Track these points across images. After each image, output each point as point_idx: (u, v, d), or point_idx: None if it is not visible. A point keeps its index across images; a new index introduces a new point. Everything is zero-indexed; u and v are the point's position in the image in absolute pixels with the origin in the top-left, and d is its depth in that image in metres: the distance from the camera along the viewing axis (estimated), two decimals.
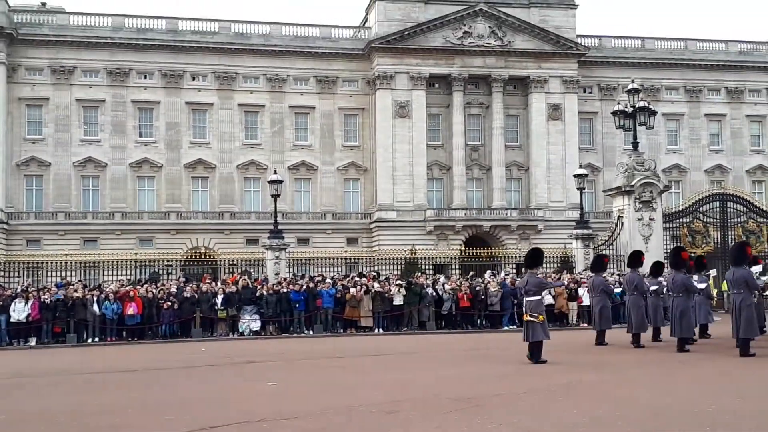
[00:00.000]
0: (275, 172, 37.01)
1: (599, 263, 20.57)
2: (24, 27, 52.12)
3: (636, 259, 19.93)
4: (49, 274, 32.27)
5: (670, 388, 11.62)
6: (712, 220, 36.18)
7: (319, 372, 14.15)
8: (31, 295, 24.03)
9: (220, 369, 14.38)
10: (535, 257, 15.82)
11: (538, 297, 15.26)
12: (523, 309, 15.53)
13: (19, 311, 23.44)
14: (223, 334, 25.23)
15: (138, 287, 26.05)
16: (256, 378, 13.26)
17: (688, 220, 35.64)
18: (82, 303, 24.06)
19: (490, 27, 56.40)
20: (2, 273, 32.93)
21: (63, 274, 31.40)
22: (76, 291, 24.61)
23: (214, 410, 9.84)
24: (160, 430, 8.67)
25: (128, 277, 31.81)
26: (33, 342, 23.70)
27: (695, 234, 35.54)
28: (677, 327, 16.90)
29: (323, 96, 56.02)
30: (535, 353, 14.58)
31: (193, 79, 54.51)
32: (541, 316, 14.79)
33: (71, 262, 33.31)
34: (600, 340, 19.07)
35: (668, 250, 34.12)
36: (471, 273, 31.69)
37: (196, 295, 25.41)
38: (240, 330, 25.27)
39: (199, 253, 42.43)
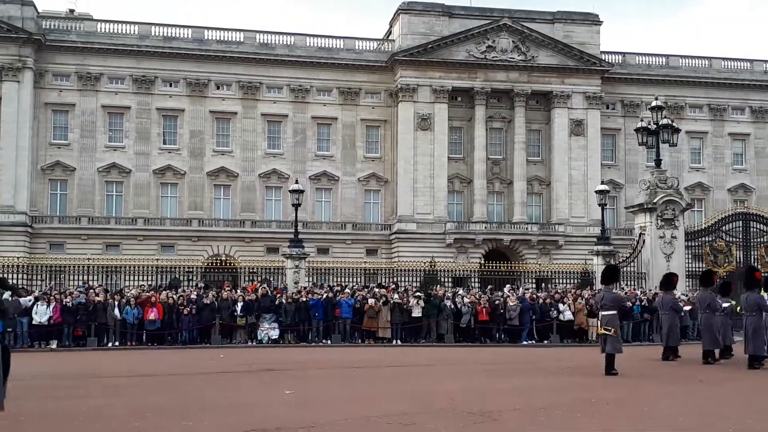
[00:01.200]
0: (297, 182, 37.15)
1: (668, 281, 20.89)
2: (52, 33, 52.80)
3: (708, 278, 20.29)
4: (71, 277, 32.55)
5: (694, 407, 11.55)
6: (734, 239, 35.87)
7: (337, 382, 14.18)
8: (53, 298, 24.27)
9: (238, 376, 14.45)
10: (610, 274, 17.02)
11: (614, 311, 16.14)
12: (598, 323, 16.48)
13: (41, 314, 23.68)
14: (242, 341, 25.32)
15: (159, 293, 26.23)
16: (273, 386, 13.31)
17: (710, 238, 35.34)
18: (103, 307, 24.29)
19: (513, 42, 56.41)
20: (25, 276, 33.25)
21: (85, 278, 31.68)
22: (97, 295, 24.85)
23: (232, 417, 9.90)
24: None
25: (149, 282, 32.02)
26: (54, 345, 23.94)
27: (717, 253, 35.23)
28: (750, 344, 17.23)
29: (346, 107, 56.24)
30: (608, 365, 15.40)
31: (218, 87, 54.94)
32: (614, 330, 15.67)
33: (93, 267, 33.59)
34: (667, 356, 19.50)
35: (690, 269, 34.08)
36: (489, 287, 31.61)
37: (216, 302, 25.54)
38: (259, 338, 25.35)
39: (220, 260, 42.61)
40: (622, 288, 29.32)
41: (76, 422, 9.58)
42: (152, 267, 34.78)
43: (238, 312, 25.33)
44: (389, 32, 59.58)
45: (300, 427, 9.26)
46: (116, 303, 24.55)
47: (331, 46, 56.99)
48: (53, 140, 52.61)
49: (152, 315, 24.49)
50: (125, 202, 53.34)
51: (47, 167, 52.40)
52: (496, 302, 27.22)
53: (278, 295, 26.53)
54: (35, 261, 37.00)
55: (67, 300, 24.28)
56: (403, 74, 55.26)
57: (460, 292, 28.42)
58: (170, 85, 54.30)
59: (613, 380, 14.89)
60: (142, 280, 31.95)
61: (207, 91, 54.51)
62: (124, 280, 33.68)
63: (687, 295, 30.57)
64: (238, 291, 27.12)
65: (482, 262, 43.69)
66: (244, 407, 10.79)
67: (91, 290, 25.90)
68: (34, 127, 51.62)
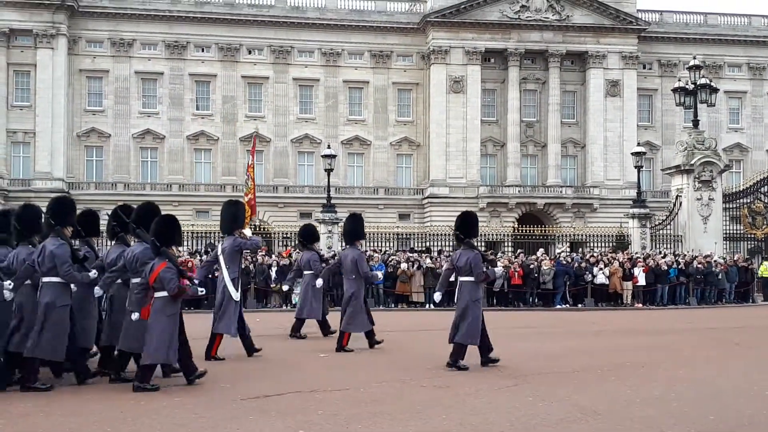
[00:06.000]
0: (329, 147, 37.12)
1: None
2: None
3: None
4: (107, 243, 32.90)
5: (730, 370, 11.44)
6: None
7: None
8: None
9: (273, 339, 14.56)
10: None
11: None
12: None
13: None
14: (277, 305, 25.54)
15: (194, 258, 26.50)
16: (308, 350, 13.41)
17: (748, 200, 34.79)
18: None
19: (547, 1, 55.40)
20: None
21: None
22: None
23: (267, 380, 10.00)
24: (218, 398, 8.85)
25: (185, 247, 32.34)
26: None
27: (756, 215, 34.69)
28: None
29: (377, 70, 55.90)
30: None
31: (249, 52, 54.90)
32: None
33: None
34: None
35: (728, 231, 33.62)
36: (519, 251, 31.39)
37: (252, 267, 25.74)
38: (293, 302, 25.53)
39: (254, 225, 42.84)
40: (660, 251, 28.99)
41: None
42: (188, 232, 35.06)
43: (273, 277, 25.51)
44: None
45: (335, 389, 9.34)
46: None
47: (362, 8, 56.50)
48: (88, 107, 53.09)
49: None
50: (160, 168, 53.84)
51: (83, 134, 52.98)
52: (530, 266, 27.10)
53: None
54: None
55: None
56: (435, 36, 54.68)
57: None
58: (202, 51, 54.40)
59: (650, 344, 14.78)
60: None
61: (239, 56, 54.51)
62: None
63: (724, 258, 30.22)
64: (273, 256, 27.29)
65: (516, 226, 43.48)
66: (280, 370, 10.88)
67: None
68: (68, 94, 52.10)
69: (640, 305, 27.14)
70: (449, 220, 44.66)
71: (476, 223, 11.94)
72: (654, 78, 58.36)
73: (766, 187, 35.25)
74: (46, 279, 9.16)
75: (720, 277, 28.59)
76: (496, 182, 55.72)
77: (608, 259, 28.08)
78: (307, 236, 15.71)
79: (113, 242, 10.54)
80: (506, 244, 39.46)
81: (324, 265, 15.34)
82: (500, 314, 23.81)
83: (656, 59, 58.32)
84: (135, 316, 9.18)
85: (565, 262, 27.39)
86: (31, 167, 51.55)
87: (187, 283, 9.42)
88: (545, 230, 39.11)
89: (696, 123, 32.83)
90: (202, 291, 10.37)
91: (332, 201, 33.70)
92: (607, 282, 26.97)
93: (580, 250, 34.20)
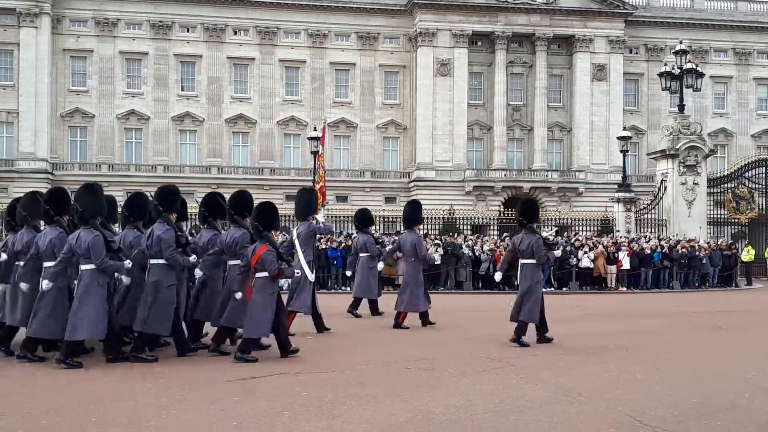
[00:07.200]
0: (315, 129, 36.98)
1: None
2: None
3: None
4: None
5: (713, 353, 11.53)
6: (757, 185, 35.54)
7: (356, 328, 14.26)
8: None
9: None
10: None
11: None
12: None
13: None
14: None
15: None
16: (293, 332, 13.39)
17: (733, 185, 35.05)
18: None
19: None
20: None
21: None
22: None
23: (252, 363, 9.97)
24: (203, 380, 8.83)
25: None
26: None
27: (740, 200, 34.96)
28: None
29: (364, 52, 55.66)
30: None
31: (235, 33, 54.50)
32: None
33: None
34: None
35: (712, 216, 33.84)
36: (505, 235, 31.49)
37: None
38: (280, 284, 25.46)
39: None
40: (644, 235, 29.16)
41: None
42: None
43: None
44: None
45: (321, 371, 9.34)
46: None
47: None
48: (72, 87, 52.61)
49: None
50: (144, 149, 53.51)
51: (66, 114, 52.53)
52: None
53: None
54: None
55: None
56: (422, 18, 54.47)
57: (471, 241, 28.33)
58: (188, 31, 53.96)
59: (634, 328, 14.88)
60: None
61: (224, 36, 54.10)
62: None
63: (708, 243, 30.43)
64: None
65: (501, 209, 43.55)
66: (265, 353, 10.87)
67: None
68: (52, 74, 51.59)
69: (624, 289, 27.34)
70: (435, 203, 44.99)
71: (538, 210, 12.96)
72: (640, 62, 58.44)
73: (750, 172, 35.52)
74: (153, 261, 10.02)
75: (704, 261, 28.81)
76: (483, 166, 55.75)
77: (593, 243, 28.20)
78: (363, 220, 16.59)
79: (203, 227, 11.60)
80: (492, 227, 39.57)
81: (379, 247, 16.46)
82: (486, 297, 23.91)
83: (643, 44, 58.38)
84: (239, 295, 9.98)
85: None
86: (15, 147, 51.05)
87: (285, 265, 10.14)
88: None
89: (682, 108, 32.93)
90: (297, 273, 11.57)
91: None
92: (592, 266, 27.11)
93: (566, 234, 34.32)
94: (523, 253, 11.93)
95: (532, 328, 11.97)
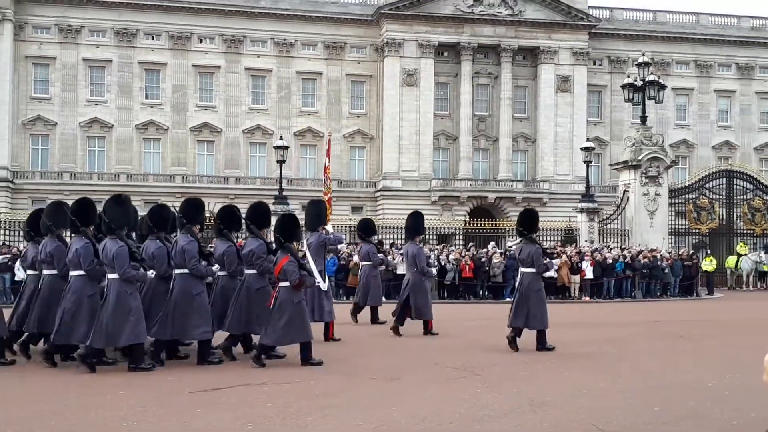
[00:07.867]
0: (281, 138, 36.90)
1: None
2: None
3: None
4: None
5: (674, 362, 11.66)
6: (718, 196, 36.12)
7: (319, 339, 14.21)
8: None
9: None
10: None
11: None
12: None
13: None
14: None
15: None
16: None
17: (694, 196, 35.58)
18: None
19: None
20: (7, 232, 32.95)
21: (68, 233, 31.35)
22: None
23: (214, 373, 9.89)
24: (167, 391, 8.72)
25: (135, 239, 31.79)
26: None
27: (701, 210, 35.50)
28: None
29: (331, 62, 55.68)
30: None
31: (200, 41, 54.21)
32: None
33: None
34: None
35: (673, 226, 34.30)
36: (471, 244, 31.64)
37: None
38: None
39: (204, 217, 42.38)
40: (607, 245, 29.48)
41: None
42: None
43: None
44: None
45: (285, 382, 9.27)
46: None
47: None
48: (34, 94, 51.90)
49: None
50: (108, 158, 52.90)
51: (28, 122, 51.78)
52: (481, 259, 27.31)
53: None
54: (17, 217, 36.60)
55: None
56: (389, 28, 54.67)
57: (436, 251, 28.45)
58: (152, 38, 53.54)
59: (597, 337, 15.00)
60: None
61: (189, 44, 53.79)
62: None
63: (670, 252, 30.83)
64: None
65: (467, 219, 43.79)
66: (231, 362, 10.77)
67: None
68: (14, 81, 50.85)
69: (588, 298, 27.57)
70: (401, 213, 44.76)
71: (537, 220, 13.15)
72: (604, 74, 59.18)
73: (711, 183, 36.10)
74: (178, 271, 10.36)
75: (665, 271, 29.17)
76: (449, 176, 55.99)
77: (557, 252, 28.39)
78: (365, 230, 17.15)
79: (216, 238, 11.77)
80: (458, 237, 39.69)
81: (381, 256, 17.01)
82: (451, 307, 23.96)
83: (606, 56, 59.15)
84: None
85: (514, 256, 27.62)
86: None
87: (306, 274, 10.34)
88: (496, 224, 39.41)
89: (644, 119, 33.37)
90: (319, 281, 11.92)
91: (284, 193, 33.53)
92: (556, 275, 27.29)
93: None
94: (524, 262, 12.28)
95: (529, 334, 12.23)
